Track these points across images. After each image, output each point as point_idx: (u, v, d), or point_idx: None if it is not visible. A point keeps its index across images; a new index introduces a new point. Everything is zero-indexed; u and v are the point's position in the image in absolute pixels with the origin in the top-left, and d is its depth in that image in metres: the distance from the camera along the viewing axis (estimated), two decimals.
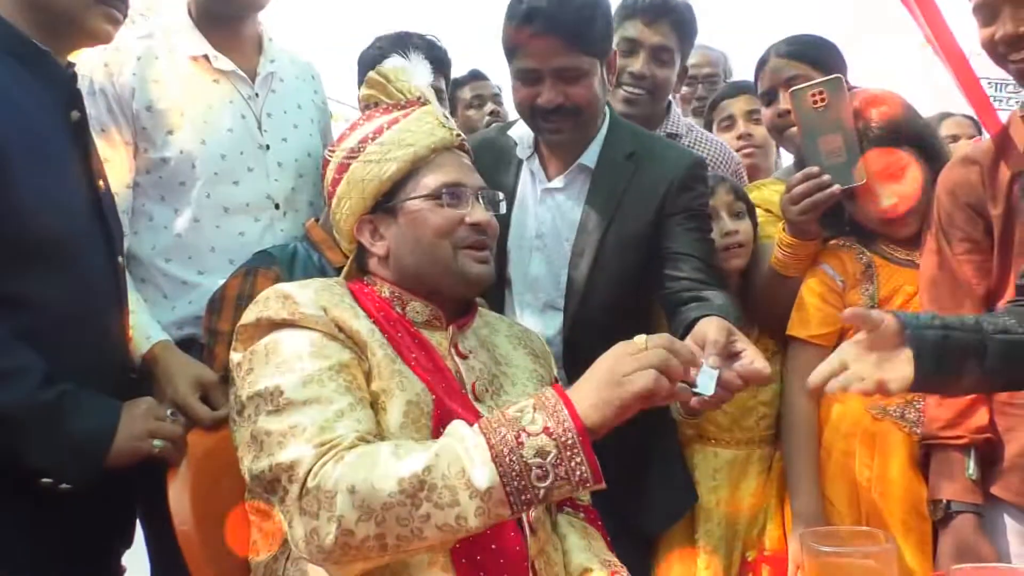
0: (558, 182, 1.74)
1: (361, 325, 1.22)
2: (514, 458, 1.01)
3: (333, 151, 1.38)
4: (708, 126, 2.52)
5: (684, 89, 2.82)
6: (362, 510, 1.02)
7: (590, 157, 1.73)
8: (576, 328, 1.67)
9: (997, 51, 1.39)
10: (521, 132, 1.79)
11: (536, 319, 1.72)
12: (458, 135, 1.39)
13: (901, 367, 1.15)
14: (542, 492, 1.02)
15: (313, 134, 1.91)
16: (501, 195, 1.45)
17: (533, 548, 1.24)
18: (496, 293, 1.76)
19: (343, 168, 1.35)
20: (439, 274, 1.32)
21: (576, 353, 1.60)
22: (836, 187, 1.56)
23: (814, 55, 1.92)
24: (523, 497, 1.02)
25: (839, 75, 1.55)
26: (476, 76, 3.09)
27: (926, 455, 1.55)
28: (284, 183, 1.81)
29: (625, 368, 1.04)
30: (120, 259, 1.43)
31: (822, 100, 1.49)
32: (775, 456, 1.80)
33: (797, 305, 1.72)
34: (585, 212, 1.70)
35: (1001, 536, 1.47)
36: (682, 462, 1.80)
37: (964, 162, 1.53)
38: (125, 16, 1.39)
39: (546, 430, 1.02)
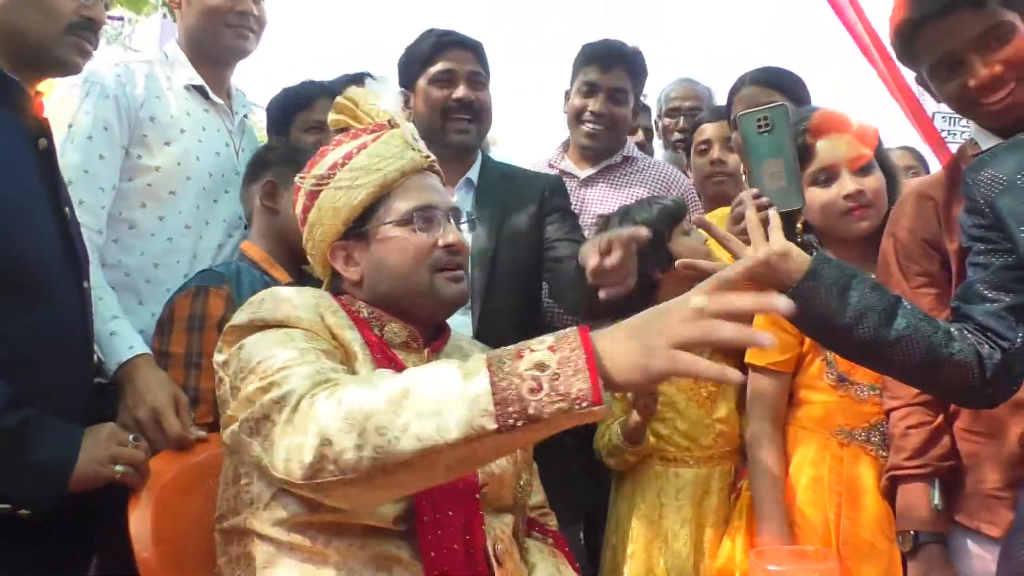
0: (451, 195, 1.93)
1: (353, 337, 1.24)
2: (509, 368, 0.91)
3: (304, 178, 1.37)
4: (688, 149, 2.58)
5: (666, 120, 2.90)
6: (346, 421, 0.97)
7: (474, 173, 2.05)
8: (485, 328, 1.82)
9: (968, 99, 1.41)
10: None
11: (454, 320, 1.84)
12: (427, 156, 1.39)
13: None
14: (532, 406, 0.89)
15: None
16: (472, 214, 1.53)
17: None
18: None
19: (313, 196, 1.35)
20: (416, 297, 1.33)
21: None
22: (773, 209, 1.59)
23: (785, 84, 2.11)
24: (511, 409, 0.90)
25: (784, 103, 1.60)
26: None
27: (891, 486, 1.55)
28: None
29: (672, 335, 0.89)
30: (86, 284, 1.44)
31: (767, 126, 1.53)
32: (734, 471, 1.83)
33: None
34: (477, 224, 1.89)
35: (966, 563, 1.47)
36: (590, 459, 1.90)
37: (918, 198, 1.56)
38: (95, 48, 1.43)
39: (550, 348, 0.91)
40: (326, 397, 1.01)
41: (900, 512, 1.53)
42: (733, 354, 1.79)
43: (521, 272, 1.89)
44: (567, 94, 2.46)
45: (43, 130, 1.38)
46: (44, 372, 1.30)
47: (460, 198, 1.97)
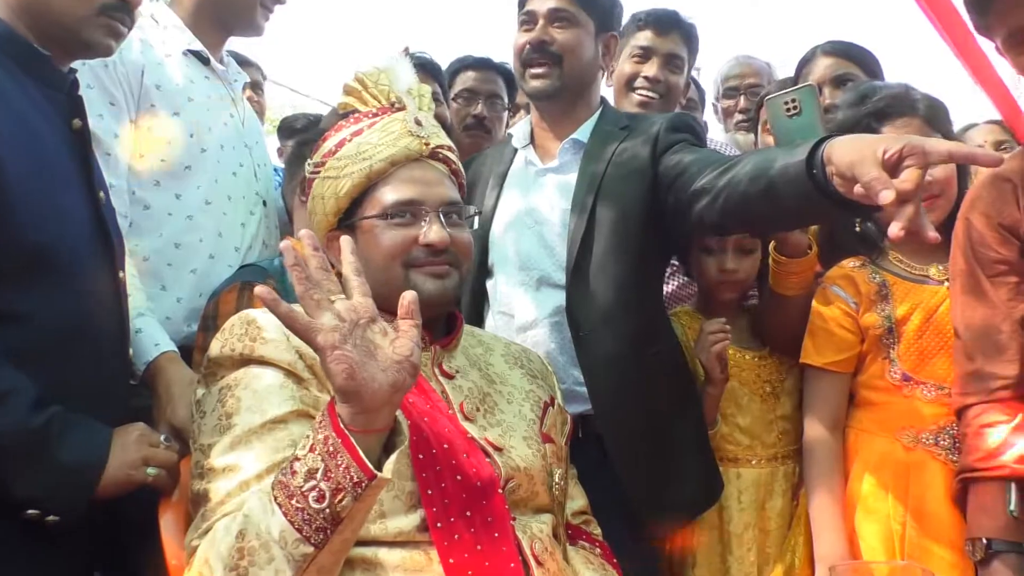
0: (553, 162, 1.79)
1: None
2: (290, 490, 0.96)
3: (310, 162, 1.34)
4: (754, 125, 2.48)
5: (726, 101, 2.83)
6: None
7: (583, 133, 1.77)
8: (576, 299, 1.65)
9: None
10: (519, 127, 1.90)
11: (531, 298, 1.70)
12: (427, 143, 1.31)
13: None
14: (328, 513, 0.95)
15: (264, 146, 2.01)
16: (473, 209, 1.43)
17: None
18: (473, 305, 1.79)
19: (309, 183, 1.32)
20: (391, 295, 1.23)
21: (580, 327, 1.63)
22: None
23: (860, 55, 2.07)
24: (314, 526, 0.96)
25: (812, 84, 1.56)
26: (480, 65, 2.60)
27: (963, 490, 1.46)
28: (264, 183, 1.89)
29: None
30: (121, 273, 1.37)
31: (795, 108, 1.48)
32: (797, 472, 1.75)
33: (810, 332, 1.67)
34: (578, 180, 1.72)
35: None
36: (707, 451, 1.72)
37: (995, 181, 1.48)
38: (130, 29, 1.36)
39: (311, 448, 0.97)
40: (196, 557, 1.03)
41: (971, 518, 1.43)
42: (787, 347, 1.72)
43: (619, 237, 1.64)
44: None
45: (78, 109, 1.32)
46: (75, 367, 1.23)
47: (563, 163, 1.77)
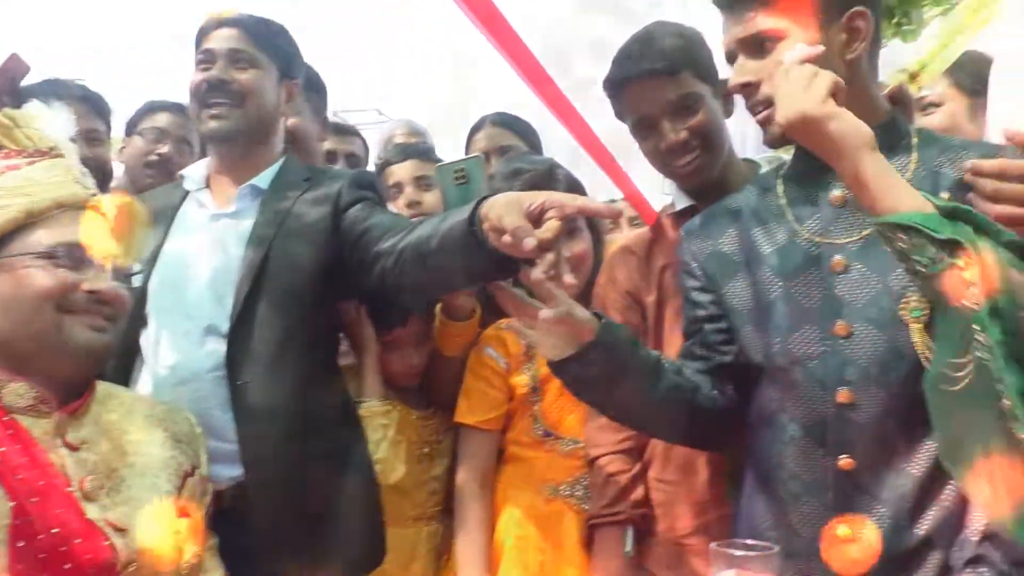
0: (229, 207, 1.68)
1: None
2: None
3: None
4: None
5: None
6: None
7: (264, 180, 1.69)
8: (237, 347, 1.53)
9: (663, 161, 1.54)
10: (193, 168, 1.77)
11: (194, 350, 1.55)
12: (93, 194, 1.24)
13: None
14: None
15: None
16: (136, 267, 1.34)
17: None
18: (122, 360, 1.58)
19: None
20: (35, 347, 1.14)
21: (239, 376, 1.52)
22: None
23: (522, 128, 2.27)
24: None
25: (479, 156, 1.69)
26: (178, 109, 2.44)
27: (592, 535, 1.59)
28: None
29: None
30: None
31: (463, 178, 1.57)
32: (442, 534, 1.77)
33: (464, 392, 1.73)
34: (254, 228, 1.62)
35: None
36: (372, 511, 1.65)
37: (623, 252, 1.68)
38: None
39: None
40: None
41: (595, 560, 1.57)
42: (446, 411, 1.76)
43: (291, 294, 1.57)
44: None
45: None
46: None
47: (240, 209, 1.65)
